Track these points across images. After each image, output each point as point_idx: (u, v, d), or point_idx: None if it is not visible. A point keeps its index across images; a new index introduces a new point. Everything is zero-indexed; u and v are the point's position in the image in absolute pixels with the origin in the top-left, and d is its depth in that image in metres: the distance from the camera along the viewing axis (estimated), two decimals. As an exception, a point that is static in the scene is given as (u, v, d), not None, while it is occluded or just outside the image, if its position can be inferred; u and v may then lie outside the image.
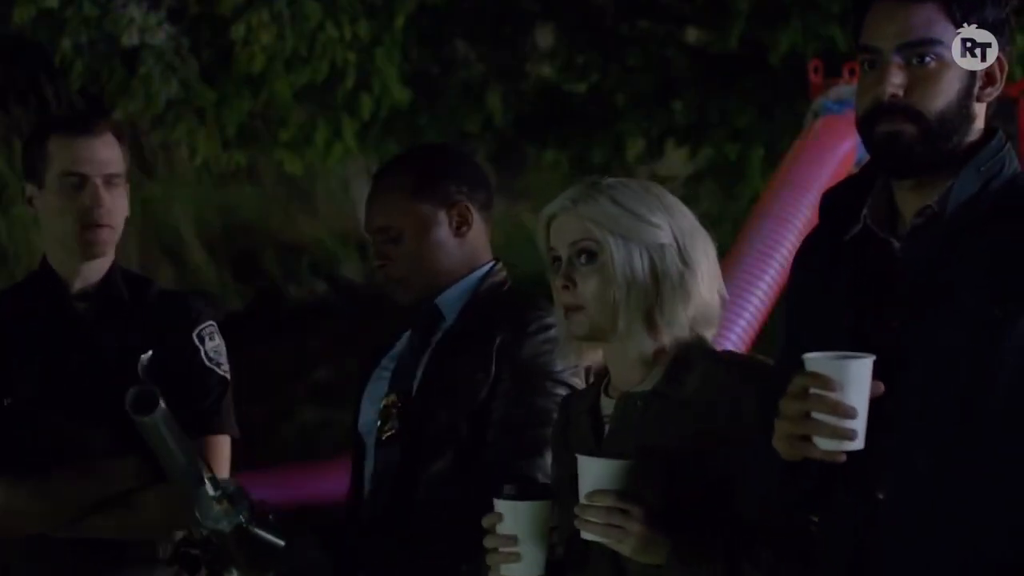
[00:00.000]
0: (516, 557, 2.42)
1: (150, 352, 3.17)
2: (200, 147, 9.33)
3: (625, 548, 2.36)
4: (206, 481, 2.80)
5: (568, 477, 2.52)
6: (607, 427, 2.53)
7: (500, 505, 2.42)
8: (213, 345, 3.23)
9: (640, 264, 2.48)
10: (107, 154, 3.15)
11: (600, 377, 2.63)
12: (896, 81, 2.15)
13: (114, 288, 3.20)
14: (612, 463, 2.35)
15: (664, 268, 2.49)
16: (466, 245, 3.01)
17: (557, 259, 2.54)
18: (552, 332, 2.86)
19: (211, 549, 2.81)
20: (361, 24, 9.06)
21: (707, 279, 2.52)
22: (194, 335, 3.21)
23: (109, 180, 3.14)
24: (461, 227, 3.00)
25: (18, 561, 3.18)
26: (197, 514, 2.80)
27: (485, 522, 2.44)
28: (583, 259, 2.51)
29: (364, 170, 12.06)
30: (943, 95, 2.16)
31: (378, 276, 3.04)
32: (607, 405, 2.56)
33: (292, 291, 12.08)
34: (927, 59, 2.16)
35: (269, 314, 11.11)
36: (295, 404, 9.55)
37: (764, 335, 5.91)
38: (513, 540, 2.41)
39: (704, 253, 2.53)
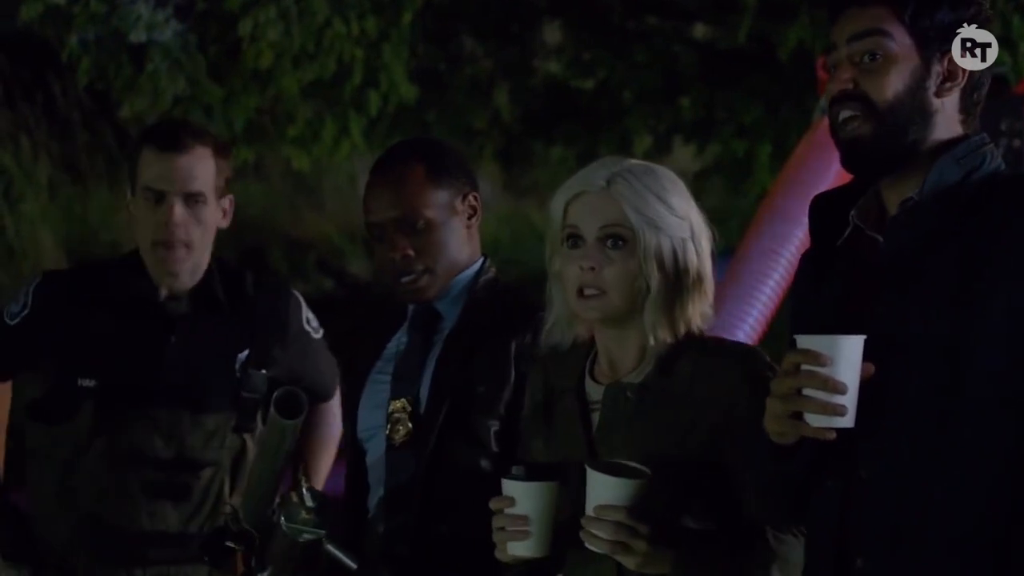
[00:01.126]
0: (524, 535, 2.41)
1: (247, 351, 3.22)
2: (207, 143, 9.32)
3: (629, 562, 2.37)
4: (304, 491, 2.79)
5: (559, 459, 2.52)
6: (596, 415, 2.52)
7: (508, 486, 2.43)
8: (312, 318, 3.40)
9: (668, 256, 2.47)
10: (192, 170, 3.18)
11: (581, 353, 2.60)
12: (844, 76, 2.24)
13: (210, 290, 3.23)
14: (623, 482, 2.36)
15: (686, 262, 2.48)
16: (473, 237, 3.00)
17: (575, 237, 2.50)
18: None
19: (251, 545, 2.78)
20: (368, 20, 9.06)
21: (710, 275, 2.53)
22: (304, 324, 3.32)
23: (192, 198, 3.16)
24: (472, 217, 2.99)
25: (80, 549, 3.20)
26: (281, 517, 2.77)
27: (493, 504, 2.44)
28: (611, 243, 2.48)
29: (371, 167, 12.03)
30: (891, 87, 2.23)
31: (387, 271, 2.97)
32: (594, 390, 2.54)
33: (299, 287, 12.06)
34: (876, 55, 2.23)
35: (276, 310, 11.08)
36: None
37: (771, 333, 5.90)
38: (522, 520, 2.41)
39: (708, 249, 2.53)
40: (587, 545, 2.39)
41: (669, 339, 2.49)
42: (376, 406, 2.96)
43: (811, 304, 2.32)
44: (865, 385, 2.13)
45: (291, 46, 8.92)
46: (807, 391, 2.12)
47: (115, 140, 10.05)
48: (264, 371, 3.26)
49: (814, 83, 7.91)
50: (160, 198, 3.17)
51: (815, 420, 2.12)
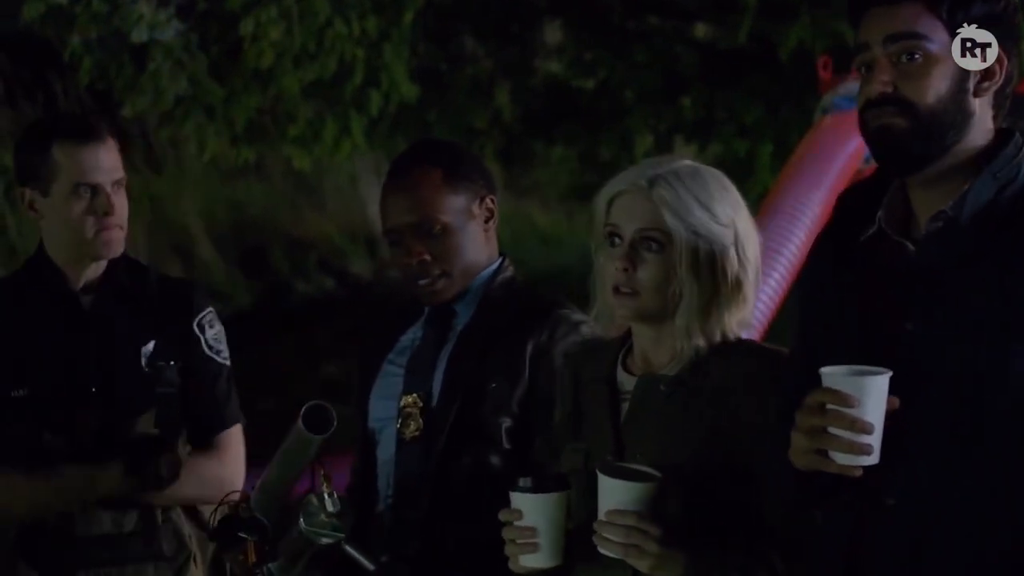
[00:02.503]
0: (533, 547, 2.42)
1: (152, 343, 3.18)
2: (208, 143, 9.33)
3: (642, 565, 2.37)
4: (325, 496, 2.76)
5: (583, 458, 2.52)
6: (626, 405, 2.52)
7: (515, 498, 2.43)
8: (213, 333, 3.25)
9: (705, 263, 2.46)
10: (113, 159, 3.16)
11: (614, 346, 2.60)
12: (884, 78, 2.17)
13: (117, 279, 3.21)
14: (633, 486, 2.36)
15: (724, 270, 2.46)
16: (490, 239, 3.01)
17: (615, 236, 2.49)
18: (582, 329, 2.85)
19: (264, 536, 2.75)
20: (369, 20, 9.06)
21: (755, 281, 2.50)
22: (194, 325, 3.22)
23: (117, 184, 3.16)
24: (488, 220, 2.99)
25: (23, 561, 3.17)
26: (300, 519, 2.75)
27: (502, 516, 2.44)
28: (647, 245, 2.47)
29: (372, 166, 12.05)
30: (933, 90, 2.16)
31: (404, 275, 2.97)
32: (626, 380, 2.54)
33: (300, 287, 12.07)
34: (915, 55, 2.16)
35: (277, 310, 11.12)
36: (303, 400, 9.55)
37: (773, 331, 5.90)
38: (531, 531, 2.42)
39: (755, 254, 2.50)
40: (600, 549, 2.39)
41: (702, 343, 2.48)
42: (388, 397, 2.97)
43: (820, 298, 2.27)
44: (892, 414, 2.09)
45: (292, 46, 8.92)
46: (833, 430, 2.08)
47: (117, 140, 10.06)
48: (173, 363, 3.20)
49: (815, 83, 7.91)
50: (95, 191, 3.15)
51: (841, 458, 2.09)
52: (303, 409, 2.75)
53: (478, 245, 2.97)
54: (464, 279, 2.95)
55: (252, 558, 2.72)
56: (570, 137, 10.32)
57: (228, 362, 3.27)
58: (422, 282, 2.93)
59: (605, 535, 2.36)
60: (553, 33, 10.77)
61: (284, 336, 10.29)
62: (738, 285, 2.47)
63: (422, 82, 9.63)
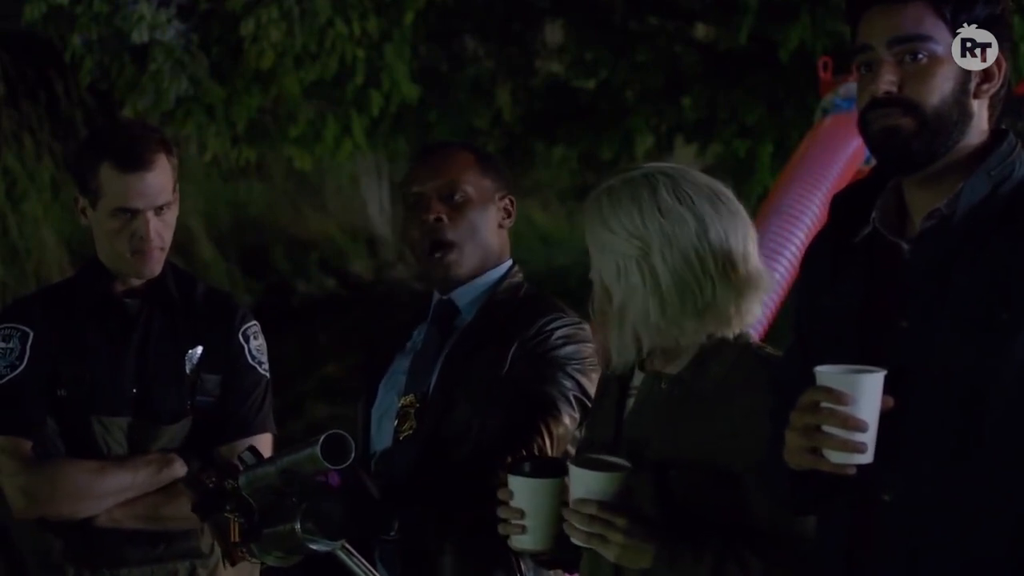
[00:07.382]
0: (521, 529, 2.45)
1: (199, 348, 3.22)
2: (209, 143, 9.36)
3: (608, 554, 2.41)
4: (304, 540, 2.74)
5: (590, 441, 2.57)
6: (631, 401, 2.56)
7: (512, 480, 2.47)
8: (256, 344, 3.30)
9: (611, 276, 2.53)
10: (159, 184, 3.19)
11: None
12: (889, 78, 2.18)
13: (164, 287, 3.25)
14: (599, 476, 2.40)
15: (630, 280, 2.50)
16: (503, 239, 3.04)
17: None
18: (566, 328, 2.88)
19: (250, 519, 2.72)
20: (370, 20, 9.08)
21: (673, 287, 2.48)
22: (239, 334, 3.26)
23: (160, 208, 3.19)
24: (505, 219, 3.03)
25: (63, 546, 3.20)
26: (298, 523, 2.71)
27: (499, 494, 2.49)
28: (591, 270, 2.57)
29: (373, 166, 12.08)
30: (938, 90, 2.17)
31: (418, 242, 2.97)
32: (637, 378, 2.58)
33: (301, 287, 12.09)
34: (919, 56, 2.17)
35: (278, 309, 11.14)
36: (304, 399, 9.57)
37: (774, 331, 5.91)
38: (518, 513, 2.46)
39: (686, 261, 2.47)
40: (571, 539, 2.43)
41: (632, 352, 2.52)
42: (392, 391, 3.00)
43: (817, 299, 2.27)
44: (889, 412, 2.10)
45: (293, 46, 8.94)
46: (827, 428, 2.08)
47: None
48: (217, 375, 3.23)
49: (815, 83, 7.92)
50: (135, 214, 3.18)
51: (835, 457, 2.09)
52: (322, 438, 2.62)
53: (491, 234, 3.00)
54: (473, 258, 2.97)
55: (235, 537, 2.69)
56: (571, 137, 10.34)
57: (268, 375, 3.31)
58: (436, 254, 2.95)
59: (572, 523, 2.40)
60: (554, 33, 10.79)
61: (285, 335, 10.30)
62: (660, 292, 2.48)
63: (423, 82, 9.65)
